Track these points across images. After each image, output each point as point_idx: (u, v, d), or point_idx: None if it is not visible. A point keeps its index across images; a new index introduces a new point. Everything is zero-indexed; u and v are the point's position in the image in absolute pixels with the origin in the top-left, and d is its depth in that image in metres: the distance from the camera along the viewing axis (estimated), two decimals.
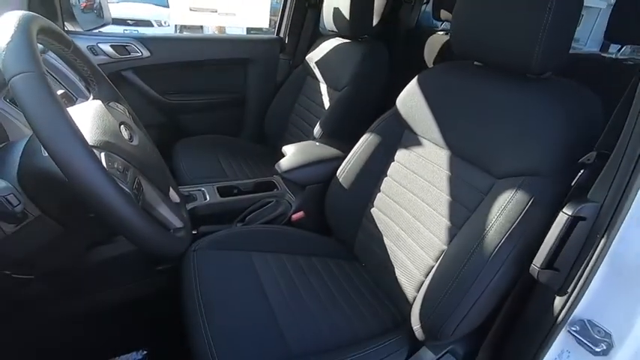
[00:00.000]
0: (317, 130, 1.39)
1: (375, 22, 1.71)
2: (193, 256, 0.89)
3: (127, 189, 0.52)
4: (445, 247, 0.79)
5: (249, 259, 0.93)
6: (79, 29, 1.46)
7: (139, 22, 5.60)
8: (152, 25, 5.82)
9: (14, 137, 0.64)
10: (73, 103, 0.71)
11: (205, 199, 1.09)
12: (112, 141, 0.56)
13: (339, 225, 1.07)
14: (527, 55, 0.69)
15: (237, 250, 0.94)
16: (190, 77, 1.70)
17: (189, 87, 1.71)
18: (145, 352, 1.02)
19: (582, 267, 0.56)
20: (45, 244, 0.58)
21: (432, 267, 0.79)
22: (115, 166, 0.53)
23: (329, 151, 1.20)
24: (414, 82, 0.97)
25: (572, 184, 0.62)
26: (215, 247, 0.93)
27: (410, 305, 0.81)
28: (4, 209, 0.50)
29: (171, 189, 0.73)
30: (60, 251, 0.64)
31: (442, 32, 1.75)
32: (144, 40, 1.55)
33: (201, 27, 4.31)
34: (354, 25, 1.43)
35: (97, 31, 1.53)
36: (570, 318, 0.57)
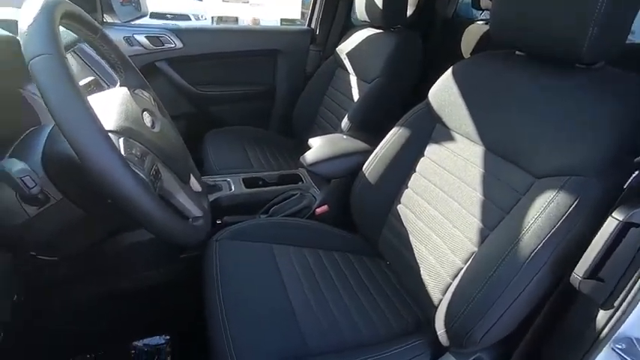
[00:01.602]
0: (345, 122, 1.36)
1: (410, 12, 1.64)
2: (216, 246, 0.89)
3: (142, 175, 0.51)
4: (475, 248, 0.74)
5: (270, 252, 0.92)
6: (117, 21, 1.51)
7: (177, 16, 5.77)
8: (189, 19, 5.98)
9: (46, 122, 0.66)
10: (102, 89, 0.72)
11: (230, 189, 1.10)
12: (133, 127, 0.56)
13: (364, 220, 1.04)
14: (578, 42, 0.62)
15: (259, 242, 0.94)
16: (221, 68, 1.72)
17: (219, 78, 1.73)
18: (168, 337, 1.05)
19: (632, 279, 0.50)
20: (66, 227, 0.59)
21: (461, 269, 0.75)
22: (133, 151, 0.53)
23: (356, 144, 1.17)
24: (448, 73, 0.92)
25: (625, 186, 0.56)
26: (237, 238, 0.93)
27: (435, 308, 0.77)
28: (20, 191, 0.51)
29: (192, 178, 0.73)
30: (82, 235, 0.66)
31: (482, 22, 1.66)
32: (177, 32, 1.58)
33: (237, 19, 4.36)
34: (387, 15, 1.38)
35: (133, 23, 1.58)
36: (616, 334, 0.52)
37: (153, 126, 0.63)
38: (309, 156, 1.15)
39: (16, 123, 0.63)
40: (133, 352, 1.01)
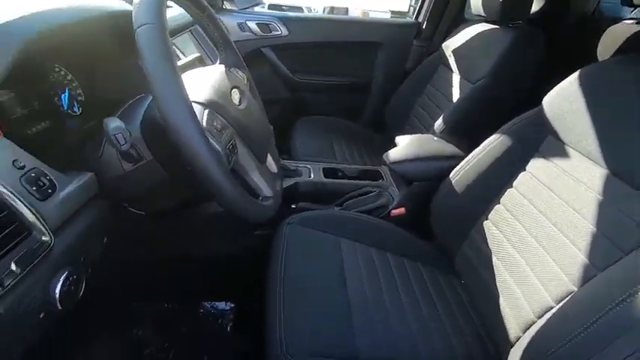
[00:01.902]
0: (438, 124, 1.26)
1: (537, 7, 1.44)
2: (286, 229, 0.91)
3: (218, 147, 0.54)
4: (575, 288, 0.61)
5: (337, 244, 0.90)
6: (234, 8, 1.64)
7: (292, 8, 6.08)
8: (302, 11, 6.26)
9: None
10: (204, 64, 0.78)
11: (309, 176, 1.11)
12: (219, 101, 0.59)
13: (444, 231, 0.96)
14: None
15: (328, 233, 0.93)
16: (321, 58, 1.74)
17: (318, 67, 1.76)
18: (233, 305, 1.12)
19: None
20: (154, 186, 0.66)
21: (551, 308, 0.63)
22: (214, 124, 0.56)
23: (446, 147, 1.08)
24: (572, 77, 0.77)
25: None
26: (308, 225, 0.94)
27: (510, 345, 0.67)
28: (114, 147, 0.57)
29: (270, 158, 0.75)
30: (167, 196, 0.73)
31: (631, 21, 1.37)
32: (285, 20, 1.65)
33: (347, 10, 4.38)
34: (507, 9, 1.22)
35: (248, 10, 1.70)
36: None
37: (239, 103, 0.66)
38: (394, 154, 1.09)
39: (133, 91, 0.72)
40: (201, 311, 1.11)
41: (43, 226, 0.47)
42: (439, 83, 1.48)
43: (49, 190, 0.50)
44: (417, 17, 1.76)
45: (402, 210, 1.05)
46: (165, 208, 0.75)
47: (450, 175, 0.94)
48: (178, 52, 1.02)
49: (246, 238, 1.05)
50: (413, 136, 1.16)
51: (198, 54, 0.85)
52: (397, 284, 0.84)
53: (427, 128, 1.41)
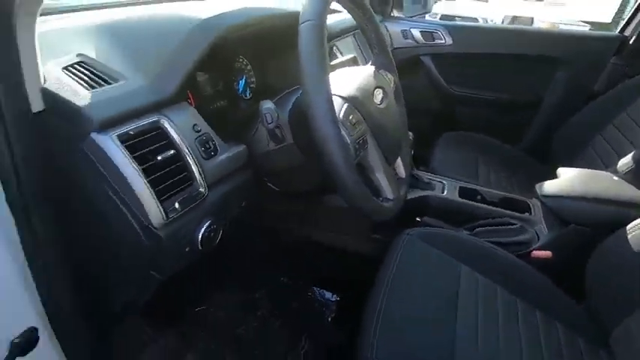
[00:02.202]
0: (626, 161, 0.99)
1: None
2: (405, 239, 0.87)
3: (347, 139, 0.56)
4: None
5: (457, 270, 0.82)
6: (401, 15, 1.67)
7: (465, 19, 5.77)
8: (478, 22, 5.86)
9: None
10: (357, 64, 0.82)
11: (442, 192, 1.04)
12: (360, 97, 0.62)
13: (602, 294, 0.76)
14: None
15: (449, 255, 0.85)
16: (483, 70, 1.60)
17: (477, 80, 1.62)
18: (338, 298, 1.15)
19: None
20: (291, 168, 0.74)
21: None
22: (350, 118, 0.58)
23: (628, 191, 0.85)
24: None
25: None
26: (429, 242, 0.88)
27: None
28: (263, 125, 0.65)
29: (400, 163, 0.74)
30: (301, 179, 0.79)
31: None
32: (450, 29, 1.58)
33: (532, 20, 3.88)
34: None
35: (415, 18, 1.70)
36: None
37: (380, 102, 0.67)
38: (551, 186, 0.93)
39: (295, 82, 0.81)
40: (309, 294, 1.18)
41: (203, 179, 0.59)
42: (638, 113, 1.17)
43: (212, 153, 0.62)
44: (622, 30, 1.43)
45: (547, 253, 0.88)
46: (299, 191, 0.83)
47: (628, 227, 0.74)
48: (337, 52, 1.10)
49: (364, 239, 1.06)
50: (582, 170, 0.95)
51: (353, 55, 0.91)
52: (520, 336, 0.72)
53: (607, 165, 1.14)
